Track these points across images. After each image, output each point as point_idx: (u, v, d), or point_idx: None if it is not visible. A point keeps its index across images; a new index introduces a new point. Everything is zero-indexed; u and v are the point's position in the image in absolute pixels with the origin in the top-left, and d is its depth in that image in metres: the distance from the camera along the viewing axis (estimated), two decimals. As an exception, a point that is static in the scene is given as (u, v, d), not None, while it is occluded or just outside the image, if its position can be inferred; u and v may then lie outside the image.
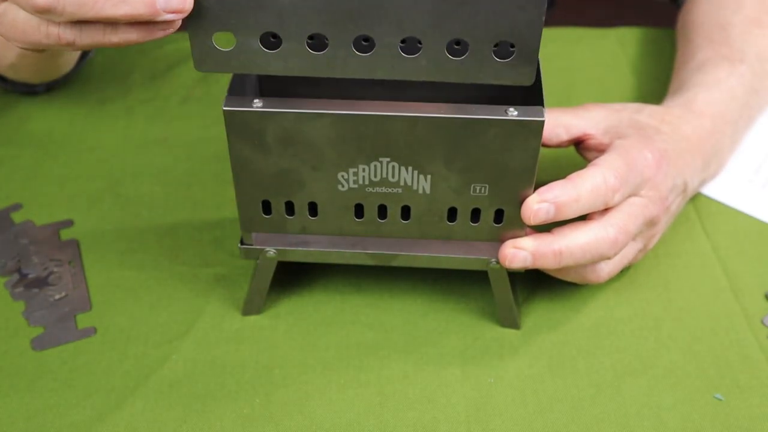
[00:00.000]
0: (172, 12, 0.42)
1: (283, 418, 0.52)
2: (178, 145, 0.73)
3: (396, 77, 0.46)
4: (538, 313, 0.59)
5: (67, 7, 0.41)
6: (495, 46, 0.45)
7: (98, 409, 0.53)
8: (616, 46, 0.85)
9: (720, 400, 0.53)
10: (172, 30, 0.43)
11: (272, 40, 0.45)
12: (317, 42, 0.45)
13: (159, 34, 0.43)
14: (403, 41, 0.45)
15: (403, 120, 0.48)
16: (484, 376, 0.55)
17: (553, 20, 1.01)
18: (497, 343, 0.57)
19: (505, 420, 0.52)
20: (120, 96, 0.78)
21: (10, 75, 0.74)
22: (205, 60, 0.46)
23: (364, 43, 0.46)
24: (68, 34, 0.43)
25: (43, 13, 0.42)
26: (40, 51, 0.47)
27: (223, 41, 0.46)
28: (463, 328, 0.58)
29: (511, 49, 0.45)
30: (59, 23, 0.43)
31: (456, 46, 0.46)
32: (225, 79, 0.52)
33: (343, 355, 0.56)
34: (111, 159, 0.72)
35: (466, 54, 0.45)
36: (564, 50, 0.84)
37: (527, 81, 0.46)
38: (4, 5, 0.44)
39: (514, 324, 0.58)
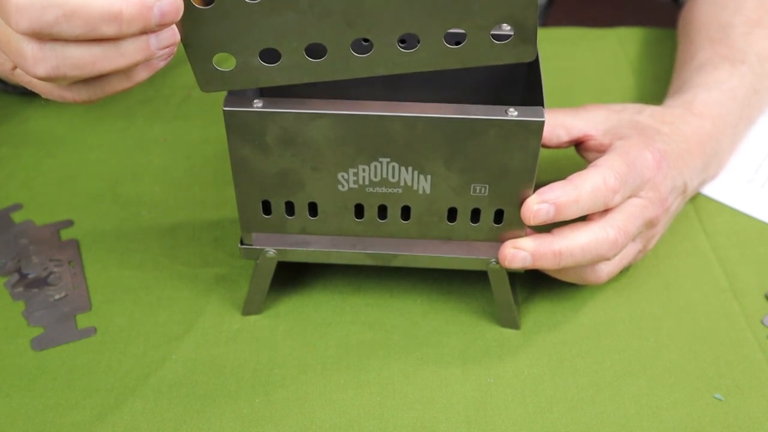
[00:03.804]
0: (166, 47, 0.43)
1: (283, 418, 0.52)
2: (177, 145, 0.73)
3: (398, 71, 0.46)
4: (538, 313, 0.59)
5: (68, 73, 0.41)
6: (493, 31, 0.45)
7: (98, 409, 0.53)
8: (616, 46, 0.85)
9: (720, 400, 0.53)
10: (172, 57, 0.44)
11: (271, 54, 0.46)
12: (316, 47, 0.46)
13: (162, 64, 0.44)
14: (401, 38, 0.45)
15: (403, 120, 0.48)
16: (484, 376, 0.55)
17: (553, 20, 1.01)
18: (497, 343, 0.57)
19: (505, 420, 0.52)
20: (120, 96, 0.78)
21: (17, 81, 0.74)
22: (209, 81, 0.47)
23: (363, 43, 0.46)
24: (82, 94, 0.44)
25: (47, 81, 0.42)
26: None
27: (223, 61, 0.47)
28: (463, 328, 0.58)
29: (510, 32, 0.45)
30: (69, 86, 0.44)
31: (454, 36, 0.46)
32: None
33: (342, 355, 0.56)
34: (111, 159, 0.72)
35: (465, 42, 0.45)
36: (564, 50, 0.84)
37: (529, 57, 0.46)
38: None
39: (514, 324, 0.58)
